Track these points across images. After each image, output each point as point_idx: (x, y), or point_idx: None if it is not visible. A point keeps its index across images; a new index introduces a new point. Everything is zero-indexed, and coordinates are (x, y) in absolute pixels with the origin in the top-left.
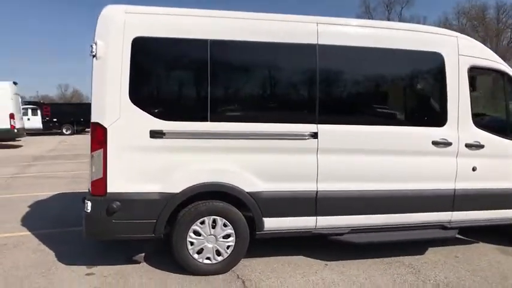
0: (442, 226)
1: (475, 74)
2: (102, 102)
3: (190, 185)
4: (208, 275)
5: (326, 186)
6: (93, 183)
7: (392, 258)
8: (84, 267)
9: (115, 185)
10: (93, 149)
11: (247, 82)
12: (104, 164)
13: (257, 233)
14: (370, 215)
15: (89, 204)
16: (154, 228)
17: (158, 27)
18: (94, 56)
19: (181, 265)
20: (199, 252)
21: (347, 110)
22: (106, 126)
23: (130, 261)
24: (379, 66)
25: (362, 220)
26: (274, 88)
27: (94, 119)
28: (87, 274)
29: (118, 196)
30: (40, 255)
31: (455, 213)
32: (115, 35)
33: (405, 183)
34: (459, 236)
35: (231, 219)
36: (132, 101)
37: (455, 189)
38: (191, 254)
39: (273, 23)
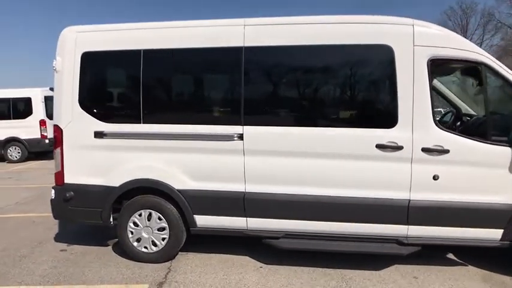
0: (397, 241)
1: (457, 66)
2: (59, 108)
3: (127, 180)
4: (146, 262)
5: (254, 188)
6: (55, 175)
7: (338, 270)
8: (65, 244)
9: (70, 177)
10: (54, 147)
11: (177, 86)
12: (61, 159)
13: (191, 229)
14: (307, 221)
15: (53, 192)
16: (101, 216)
17: (100, 42)
18: (55, 69)
19: (125, 251)
20: (138, 240)
21: (274, 111)
22: (62, 128)
23: (103, 244)
24: (312, 65)
25: (297, 226)
26: (203, 91)
27: (54, 121)
28: (61, 250)
29: (72, 187)
30: (47, 232)
31: (412, 227)
32: (68, 52)
33: (346, 189)
34: (449, 256)
35: (165, 214)
36: (81, 107)
37: (409, 200)
38: (131, 241)
39: (200, 29)
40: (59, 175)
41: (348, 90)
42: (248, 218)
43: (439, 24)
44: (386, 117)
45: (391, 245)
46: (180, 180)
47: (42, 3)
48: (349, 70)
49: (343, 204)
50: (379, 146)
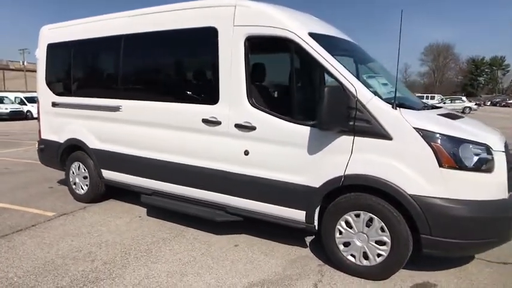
0: (224, 209)
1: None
2: (38, 85)
3: (66, 138)
4: (79, 201)
5: (128, 150)
6: (38, 133)
7: (197, 231)
8: (57, 184)
9: (43, 134)
10: (37, 113)
11: (88, 68)
12: (39, 121)
13: (101, 179)
14: (160, 182)
15: (37, 144)
16: (57, 163)
17: (56, 36)
18: (36, 57)
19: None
20: (75, 184)
21: (136, 88)
22: (39, 100)
23: None
24: (160, 49)
25: (157, 185)
26: (102, 72)
27: (37, 95)
28: (49, 187)
29: (44, 141)
30: (62, 175)
31: (232, 198)
32: (42, 44)
33: (184, 157)
34: None
35: (87, 166)
36: (46, 84)
37: (228, 172)
38: (71, 184)
39: (99, 22)
40: (39, 132)
41: (185, 70)
42: (128, 175)
43: None
44: (211, 95)
45: (215, 212)
46: (92, 141)
47: None
48: (185, 53)
49: (183, 170)
50: (204, 121)
